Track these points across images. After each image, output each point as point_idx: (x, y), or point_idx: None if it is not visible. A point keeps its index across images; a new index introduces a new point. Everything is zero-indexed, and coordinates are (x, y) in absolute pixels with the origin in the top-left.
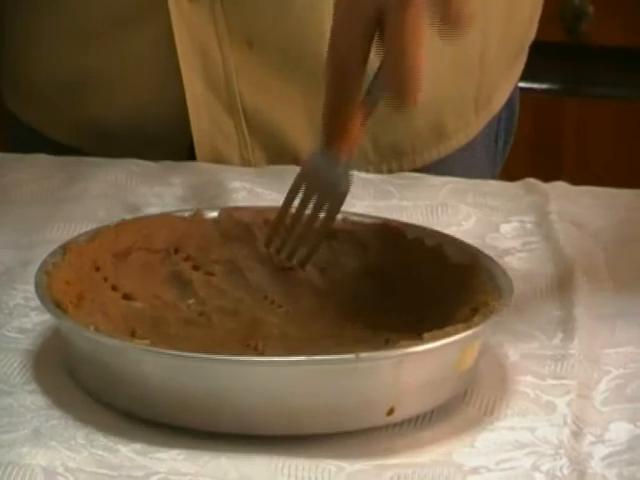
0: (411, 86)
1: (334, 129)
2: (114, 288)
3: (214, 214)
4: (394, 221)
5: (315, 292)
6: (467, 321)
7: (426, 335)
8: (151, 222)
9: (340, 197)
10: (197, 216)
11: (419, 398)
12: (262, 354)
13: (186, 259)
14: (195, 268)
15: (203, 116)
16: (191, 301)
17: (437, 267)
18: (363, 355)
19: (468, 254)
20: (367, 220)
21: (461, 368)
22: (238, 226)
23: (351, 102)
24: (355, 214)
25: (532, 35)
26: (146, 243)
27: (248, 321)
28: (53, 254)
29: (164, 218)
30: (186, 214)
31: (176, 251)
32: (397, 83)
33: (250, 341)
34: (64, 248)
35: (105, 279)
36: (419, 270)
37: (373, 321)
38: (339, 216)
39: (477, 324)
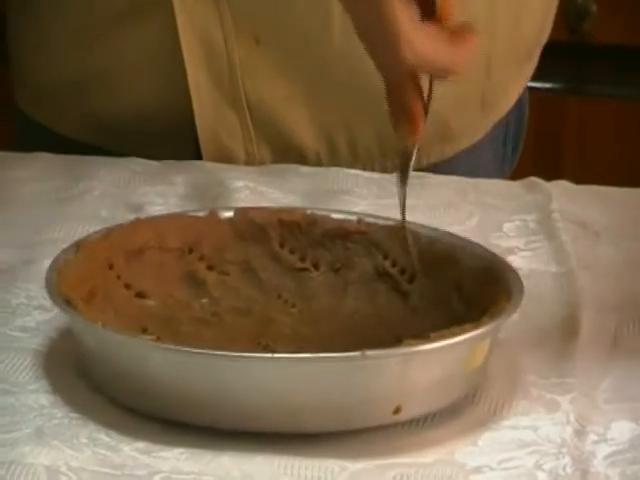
0: None
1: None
2: (127, 286)
3: (229, 214)
4: (407, 222)
5: (329, 292)
6: (475, 321)
7: (433, 334)
8: (165, 221)
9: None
10: (212, 216)
11: (426, 397)
12: (272, 353)
13: (200, 259)
14: (209, 268)
15: (207, 110)
16: (205, 300)
17: (450, 269)
18: (369, 353)
19: (481, 255)
20: (381, 221)
21: (469, 368)
22: (253, 226)
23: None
24: (370, 215)
25: (544, 37)
26: (160, 242)
27: (260, 320)
28: (66, 251)
29: (178, 218)
30: (200, 214)
31: (190, 251)
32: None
33: (261, 340)
34: (77, 245)
35: (118, 277)
36: (432, 271)
37: (386, 322)
38: (354, 217)
39: (485, 324)
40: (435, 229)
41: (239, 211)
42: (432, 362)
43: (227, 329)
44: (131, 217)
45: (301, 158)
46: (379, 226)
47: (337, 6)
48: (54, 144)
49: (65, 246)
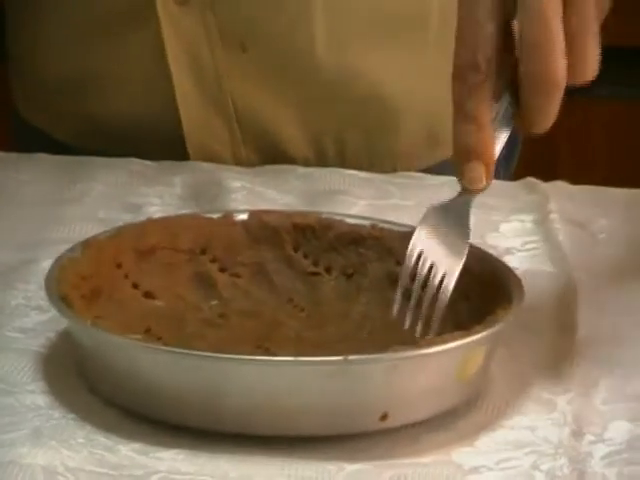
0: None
1: (464, 146)
2: (135, 286)
3: (243, 216)
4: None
5: (340, 297)
6: (469, 329)
7: (422, 341)
8: (178, 222)
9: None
10: (225, 218)
11: (416, 405)
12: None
13: (213, 260)
14: (221, 270)
15: (194, 118)
16: (214, 302)
17: (460, 277)
18: (352, 358)
19: (489, 263)
20: (395, 227)
21: (463, 376)
22: (267, 229)
23: (481, 107)
24: (384, 221)
25: None
26: (172, 243)
27: (267, 323)
28: (72, 249)
29: (191, 219)
30: (214, 216)
31: (203, 252)
32: (530, 87)
33: (264, 343)
34: (84, 244)
35: (126, 276)
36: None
37: (395, 329)
38: (367, 222)
39: (477, 332)
40: None
41: (253, 214)
42: (419, 369)
43: (232, 331)
44: (129, 218)
45: (290, 164)
46: (393, 232)
47: (321, 17)
48: (49, 148)
49: (63, 247)
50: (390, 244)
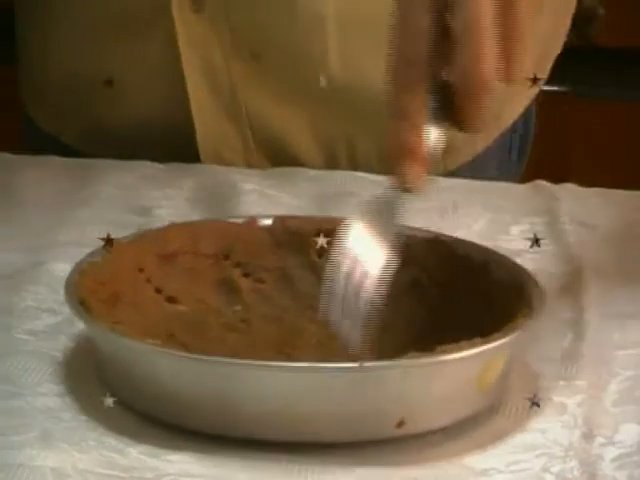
0: (478, 90)
1: (398, 144)
2: (158, 290)
3: (267, 222)
4: (444, 235)
5: None
6: (488, 336)
7: (438, 348)
8: (201, 226)
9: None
10: (249, 223)
11: (433, 412)
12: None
13: (236, 265)
14: (245, 275)
15: (208, 125)
16: (237, 308)
17: (482, 284)
18: (367, 364)
19: (510, 270)
20: (419, 234)
21: (482, 384)
22: (290, 234)
23: (415, 104)
24: (407, 227)
25: (556, 47)
26: (195, 247)
27: (288, 329)
28: (93, 253)
29: (215, 223)
30: (238, 220)
31: (226, 257)
32: (464, 85)
33: (285, 349)
34: (105, 248)
35: (148, 280)
36: (465, 287)
37: (416, 335)
38: None
39: (496, 340)
40: (472, 243)
41: (277, 219)
42: (436, 377)
43: (253, 337)
44: (139, 220)
45: None
46: (417, 238)
47: (333, 25)
48: (59, 151)
49: (73, 249)
50: (413, 250)
